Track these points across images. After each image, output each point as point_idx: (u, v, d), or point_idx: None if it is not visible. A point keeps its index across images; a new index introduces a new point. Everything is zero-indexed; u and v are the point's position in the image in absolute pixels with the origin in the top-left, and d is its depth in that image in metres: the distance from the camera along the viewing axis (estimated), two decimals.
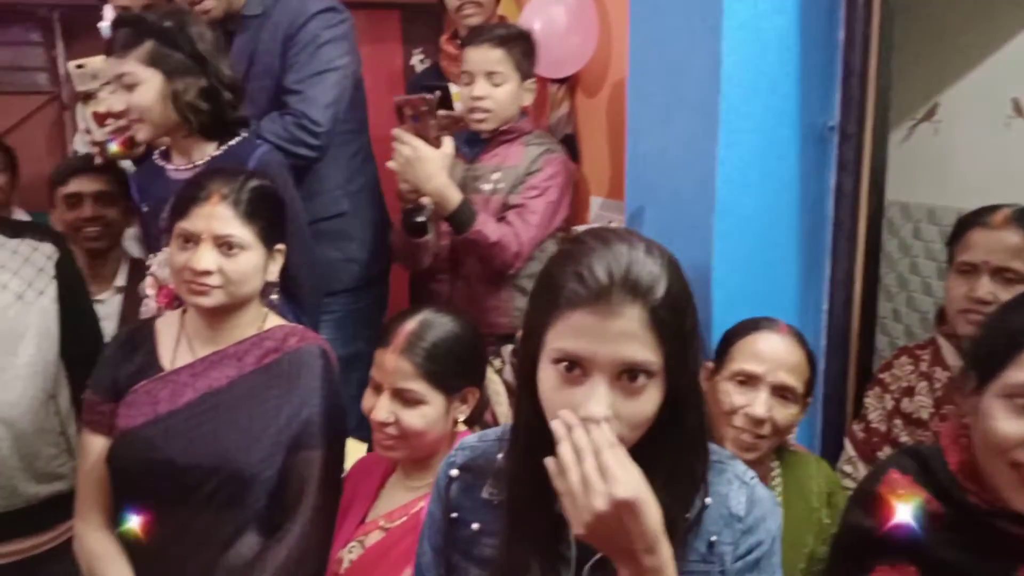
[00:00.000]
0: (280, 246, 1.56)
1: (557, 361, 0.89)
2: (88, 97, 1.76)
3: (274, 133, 2.07)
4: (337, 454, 1.53)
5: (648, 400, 0.89)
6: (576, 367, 0.88)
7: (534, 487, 0.93)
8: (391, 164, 1.97)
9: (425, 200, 2.01)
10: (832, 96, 1.72)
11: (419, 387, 1.38)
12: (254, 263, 1.49)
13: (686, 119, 1.77)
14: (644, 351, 0.87)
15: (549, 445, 0.87)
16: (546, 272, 0.94)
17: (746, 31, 1.65)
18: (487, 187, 2.16)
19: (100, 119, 1.78)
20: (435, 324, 1.42)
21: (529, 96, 2.16)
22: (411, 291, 2.74)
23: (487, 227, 2.04)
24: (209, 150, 1.85)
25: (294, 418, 1.48)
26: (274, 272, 1.56)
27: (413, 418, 1.39)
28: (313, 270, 1.96)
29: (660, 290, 0.88)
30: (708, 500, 0.96)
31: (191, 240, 1.46)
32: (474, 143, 2.21)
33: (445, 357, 1.40)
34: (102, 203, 2.24)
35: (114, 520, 1.49)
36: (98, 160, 1.83)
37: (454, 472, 1.06)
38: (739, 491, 0.98)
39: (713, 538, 0.95)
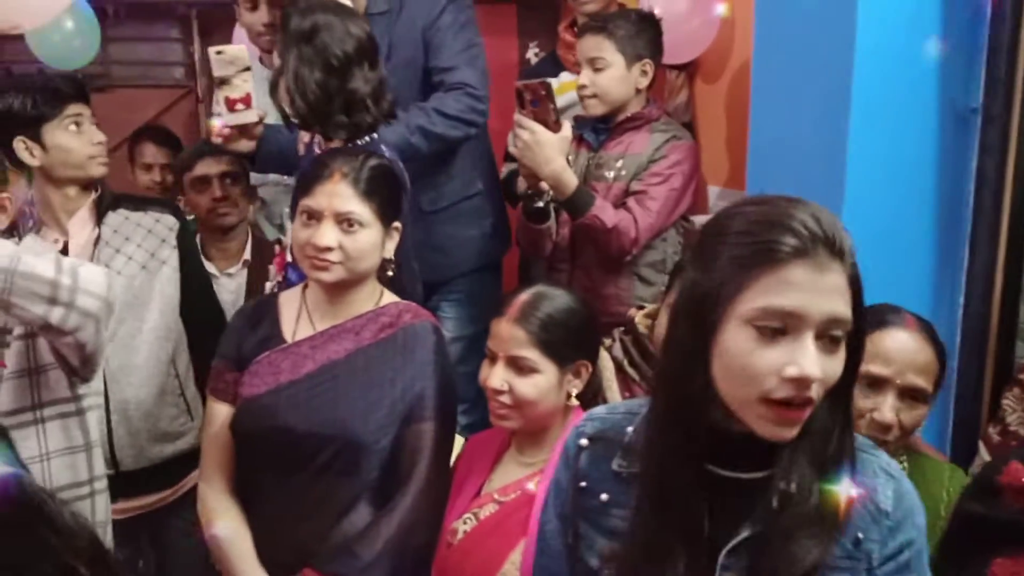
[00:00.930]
0: (397, 224, 1.59)
1: (755, 321, 0.86)
2: (223, 82, 1.84)
3: (444, 107, 2.14)
4: (448, 428, 1.55)
5: (839, 362, 0.88)
6: (780, 325, 0.86)
7: (683, 467, 0.92)
8: (511, 148, 1.98)
9: (543, 185, 2.01)
10: (976, 75, 1.61)
11: (532, 355, 1.40)
12: (372, 240, 1.52)
13: (815, 102, 1.69)
14: (847, 308, 0.87)
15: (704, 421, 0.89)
16: (742, 231, 0.89)
17: (882, 6, 1.56)
18: (610, 174, 2.14)
19: (231, 104, 1.86)
20: (549, 296, 1.45)
21: (644, 79, 2.12)
22: (520, 280, 2.76)
23: (604, 212, 2.01)
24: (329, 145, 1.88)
25: (408, 391, 1.51)
26: (390, 249, 1.59)
27: (526, 387, 1.41)
28: (411, 271, 1.94)
29: (851, 249, 0.88)
30: (854, 492, 0.91)
31: (314, 217, 1.50)
32: (600, 131, 2.19)
33: (558, 327, 1.42)
34: (228, 182, 2.36)
35: (236, 484, 1.56)
36: (224, 132, 1.90)
37: (584, 441, 1.05)
38: (886, 484, 0.93)
39: (859, 534, 0.91)
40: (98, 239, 1.89)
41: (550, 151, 1.93)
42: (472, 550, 1.43)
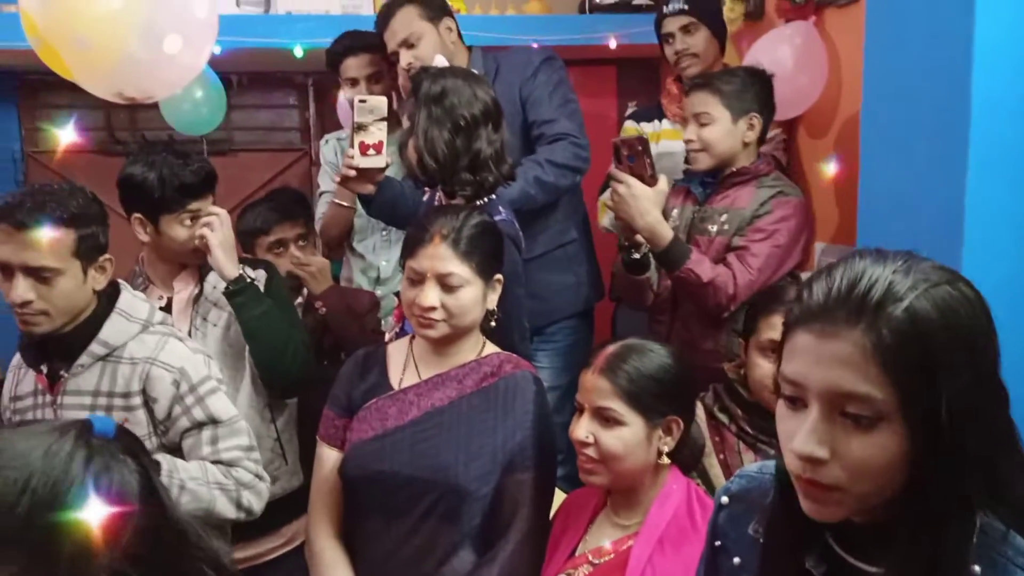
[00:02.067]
0: (498, 276, 1.63)
1: (782, 389, 0.82)
2: (360, 128, 1.95)
3: (553, 156, 2.28)
4: (548, 479, 1.56)
5: (877, 445, 0.76)
6: (794, 395, 0.80)
7: (788, 536, 0.87)
8: (606, 200, 2.00)
9: (639, 237, 2.02)
10: None
11: (617, 407, 1.39)
12: (473, 296, 1.56)
13: (929, 153, 1.64)
14: (862, 382, 0.75)
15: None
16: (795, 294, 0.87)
17: (998, 54, 1.52)
18: (713, 228, 2.12)
19: (364, 148, 1.97)
20: (639, 348, 1.44)
21: (751, 133, 2.11)
22: (613, 330, 2.77)
23: (700, 266, 1.99)
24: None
25: (508, 440, 1.53)
26: (493, 301, 1.63)
27: (611, 439, 1.39)
28: (512, 333, 1.94)
29: (896, 311, 0.75)
30: None
31: (417, 278, 1.56)
32: (707, 185, 2.18)
33: (646, 380, 1.40)
34: (302, 244, 2.46)
35: (343, 528, 1.59)
36: (350, 173, 1.99)
37: (724, 499, 1.02)
38: None
39: None
40: (199, 295, 2.00)
41: (645, 204, 1.95)
42: None
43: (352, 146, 1.95)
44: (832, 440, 0.78)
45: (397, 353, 1.67)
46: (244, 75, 3.40)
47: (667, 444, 1.42)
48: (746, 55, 2.46)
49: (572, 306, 2.51)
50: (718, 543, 1.01)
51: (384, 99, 1.97)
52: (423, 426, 1.55)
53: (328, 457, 1.62)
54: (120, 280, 1.76)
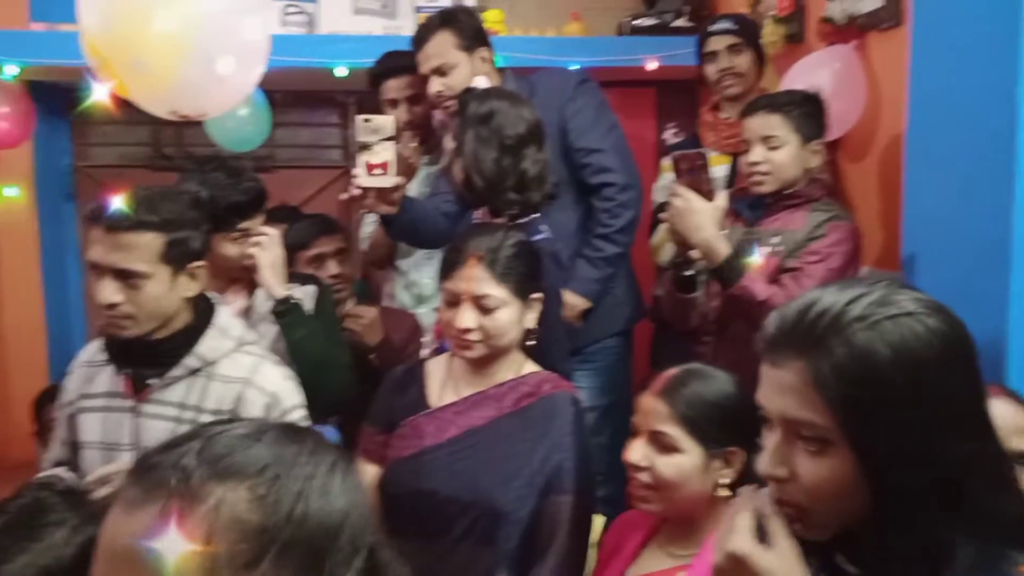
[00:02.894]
0: (536, 295, 1.63)
1: None
2: (364, 147, 1.96)
3: (606, 229, 2.39)
4: (587, 502, 1.55)
5: (827, 468, 0.80)
6: (767, 420, 0.86)
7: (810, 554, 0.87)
8: (663, 216, 1.99)
9: (694, 253, 2.00)
10: None
11: (674, 432, 1.34)
12: (510, 317, 1.57)
13: (975, 175, 1.63)
14: (804, 409, 0.80)
15: None
16: None
17: None
18: (765, 250, 2.10)
19: (370, 168, 1.98)
20: (701, 373, 1.39)
21: (815, 158, 2.09)
22: (652, 352, 2.76)
23: (755, 285, 1.97)
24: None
25: (547, 462, 1.52)
26: (531, 320, 1.63)
27: (666, 466, 1.35)
28: (553, 347, 1.98)
29: (836, 343, 0.77)
30: None
31: (454, 299, 1.57)
32: (756, 207, 2.17)
33: (707, 407, 1.35)
34: (340, 260, 2.49)
35: None
36: (355, 192, 2.01)
37: None
38: None
39: None
40: (249, 308, 2.04)
41: (701, 218, 1.93)
42: None
43: (357, 166, 1.96)
44: (790, 462, 0.83)
45: (436, 370, 1.68)
46: (287, 93, 3.46)
47: (726, 477, 1.35)
48: (784, 78, 2.45)
49: (612, 326, 2.51)
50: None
51: (390, 118, 1.98)
52: (461, 445, 1.55)
53: (367, 472, 1.63)
54: (212, 293, 1.76)
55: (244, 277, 2.02)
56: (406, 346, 2.41)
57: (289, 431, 0.71)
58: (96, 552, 0.64)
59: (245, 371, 1.65)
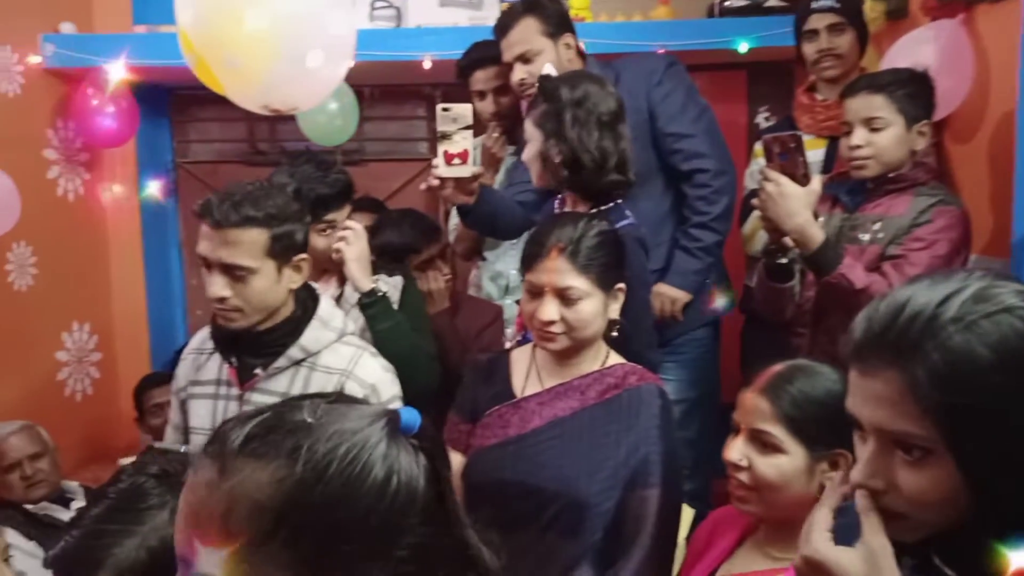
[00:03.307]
0: (620, 285, 1.60)
1: None
2: (444, 137, 1.96)
3: (701, 218, 2.36)
4: (674, 496, 1.52)
5: (929, 479, 0.74)
6: (860, 427, 0.80)
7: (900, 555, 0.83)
8: (754, 201, 1.93)
9: (788, 240, 1.92)
10: None
11: (776, 431, 1.27)
12: (593, 309, 1.54)
13: None
14: (901, 420, 0.74)
15: None
16: None
17: None
18: (865, 237, 2.00)
19: (448, 158, 1.97)
20: (808, 370, 1.30)
21: (921, 140, 1.98)
22: (742, 344, 2.68)
23: (853, 272, 1.88)
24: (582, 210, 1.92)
25: (632, 455, 1.50)
26: (615, 310, 1.61)
27: (766, 466, 1.28)
28: (640, 335, 1.92)
29: (932, 349, 0.71)
30: None
31: (535, 292, 1.55)
32: (856, 192, 2.07)
33: (813, 406, 1.27)
34: (445, 259, 2.49)
35: None
36: (433, 182, 2.01)
37: None
38: None
39: None
40: (340, 296, 2.08)
41: (795, 204, 1.84)
42: None
43: (435, 155, 1.95)
44: (887, 472, 0.77)
45: (520, 361, 1.68)
46: (376, 87, 3.51)
47: (832, 480, 1.26)
48: (886, 56, 2.34)
49: (700, 317, 2.46)
50: None
51: (469, 107, 1.96)
52: (545, 436, 1.54)
53: (452, 462, 1.63)
54: (315, 284, 1.82)
55: (334, 268, 2.06)
56: (484, 329, 2.42)
57: (350, 412, 0.72)
58: None
59: (345, 362, 1.69)
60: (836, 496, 0.85)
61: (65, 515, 2.45)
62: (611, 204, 1.86)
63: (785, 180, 1.88)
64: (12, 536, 2.41)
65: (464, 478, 1.60)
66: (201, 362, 1.76)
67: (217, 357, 1.73)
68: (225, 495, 0.66)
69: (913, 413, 0.73)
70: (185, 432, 1.77)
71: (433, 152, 3.66)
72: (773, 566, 1.31)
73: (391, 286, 2.16)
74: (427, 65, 3.02)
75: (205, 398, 1.73)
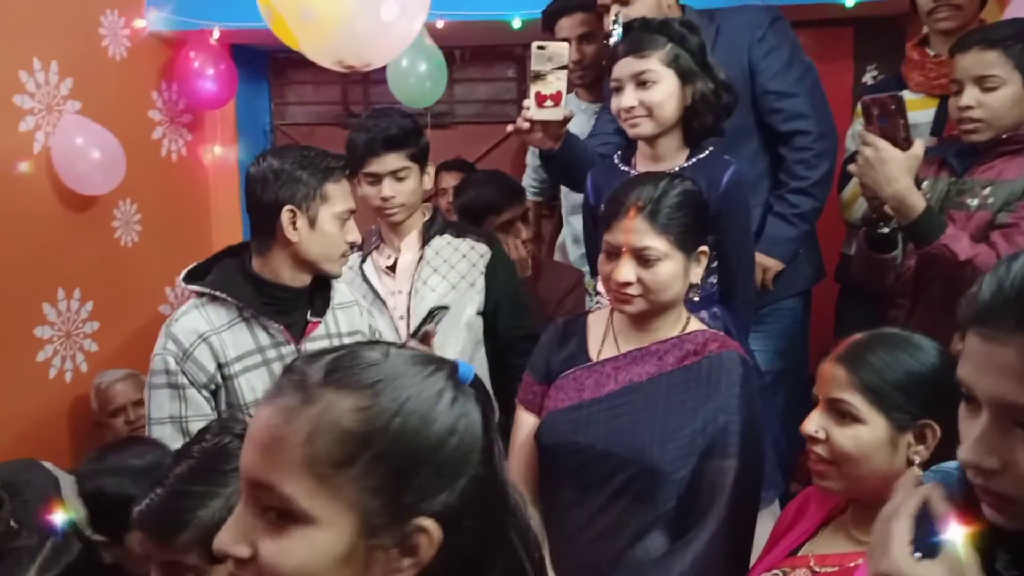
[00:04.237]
0: (703, 248, 1.54)
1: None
2: (537, 77, 1.89)
3: (799, 182, 2.27)
4: (753, 468, 1.47)
5: None
6: (972, 399, 0.73)
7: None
8: (851, 167, 1.83)
9: (888, 209, 1.81)
10: None
11: (854, 400, 1.20)
12: (672, 271, 1.49)
13: None
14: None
15: None
16: None
17: None
18: (973, 202, 1.85)
19: (540, 99, 1.90)
20: (893, 339, 1.23)
21: None
22: (837, 316, 2.57)
23: (957, 243, 1.74)
24: (679, 161, 1.86)
25: (710, 423, 1.46)
26: (697, 275, 1.55)
27: (844, 438, 1.21)
28: (748, 286, 1.91)
29: None
30: None
31: (613, 252, 1.51)
32: (966, 155, 1.93)
33: (896, 375, 1.19)
34: (526, 222, 2.53)
35: (537, 495, 1.60)
36: (522, 125, 1.96)
37: None
38: None
39: None
40: (421, 258, 2.10)
41: (894, 170, 1.73)
42: None
43: (528, 96, 1.89)
44: (1003, 450, 0.70)
45: (597, 324, 1.64)
46: (465, 49, 3.49)
47: (919, 454, 1.19)
48: (1008, 8, 2.16)
49: (790, 286, 2.35)
50: None
51: (565, 45, 1.89)
52: (619, 401, 1.51)
53: (526, 422, 1.63)
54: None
55: (382, 218, 2.13)
56: (566, 295, 2.39)
57: (415, 357, 0.76)
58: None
59: (348, 296, 1.93)
60: (915, 501, 0.77)
61: None
62: (707, 151, 1.81)
63: (884, 144, 1.76)
64: None
65: (537, 439, 1.58)
66: (229, 338, 1.70)
67: (243, 328, 1.71)
68: (310, 421, 0.69)
69: None
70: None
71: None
72: (857, 549, 1.24)
73: (478, 255, 2.16)
74: (516, 25, 2.98)
75: (256, 368, 1.71)
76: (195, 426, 1.65)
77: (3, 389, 2.56)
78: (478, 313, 2.14)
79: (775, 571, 1.31)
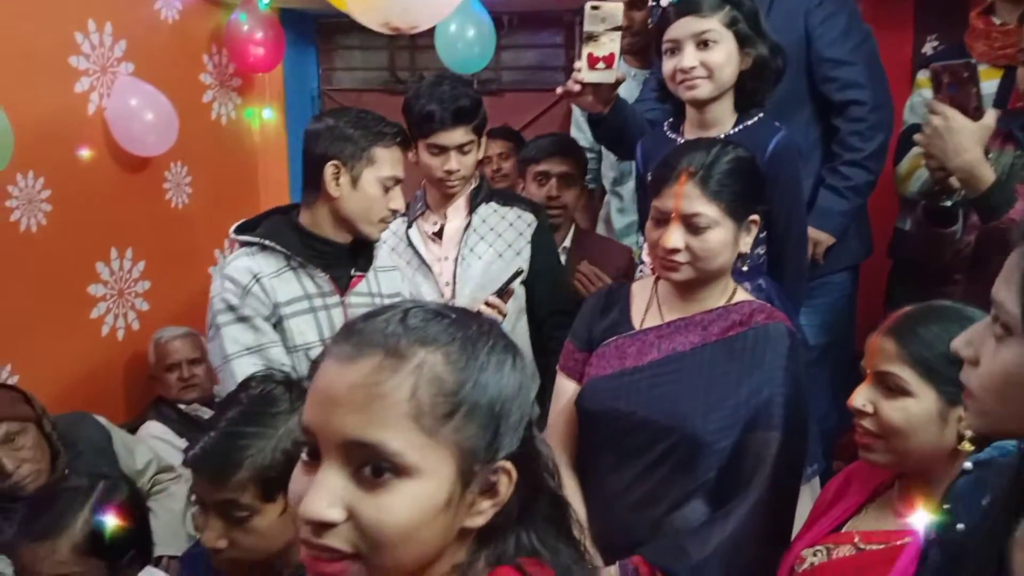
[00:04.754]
0: (754, 217, 1.51)
1: None
2: (590, 38, 1.84)
3: (853, 154, 2.22)
4: (797, 441, 1.45)
5: None
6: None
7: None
8: (917, 136, 1.77)
9: (953, 181, 1.74)
10: None
11: (902, 373, 1.18)
12: (721, 239, 1.46)
13: None
14: None
15: None
16: None
17: None
18: None
19: (592, 61, 1.86)
20: (944, 312, 1.20)
21: None
22: (888, 292, 2.51)
23: None
24: (727, 127, 1.82)
25: (754, 395, 1.44)
26: (747, 243, 1.52)
27: (892, 410, 1.19)
28: (800, 257, 1.88)
29: None
30: None
31: (661, 218, 1.49)
32: None
33: (947, 348, 1.10)
34: (564, 184, 2.48)
35: (576, 462, 1.60)
36: (573, 87, 1.93)
37: (968, 465, 0.92)
38: None
39: None
40: (468, 226, 2.10)
41: (964, 139, 1.66)
42: None
43: (579, 58, 1.85)
44: (980, 344, 0.74)
45: (641, 293, 1.62)
46: (513, 14, 3.46)
47: (970, 428, 1.16)
48: None
49: (839, 260, 2.31)
50: (947, 506, 0.90)
51: (620, 6, 1.85)
52: (662, 369, 1.50)
53: (566, 388, 1.62)
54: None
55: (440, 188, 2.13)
56: (616, 275, 2.38)
57: (467, 314, 0.77)
58: (309, 400, 0.73)
59: (391, 261, 1.98)
60: None
61: None
62: (756, 118, 1.78)
63: (954, 113, 1.69)
64: (165, 432, 2.63)
65: (577, 405, 1.58)
66: (279, 284, 1.77)
67: (291, 276, 1.78)
68: (410, 376, 0.70)
69: None
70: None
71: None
72: (901, 527, 1.22)
73: (524, 223, 2.15)
74: None
75: (304, 313, 1.78)
76: (274, 352, 1.73)
77: (59, 345, 2.64)
78: (522, 283, 2.14)
79: (818, 547, 1.30)
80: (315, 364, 0.78)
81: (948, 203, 1.80)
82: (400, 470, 0.69)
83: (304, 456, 0.73)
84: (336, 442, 0.70)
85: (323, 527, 0.68)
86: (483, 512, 0.74)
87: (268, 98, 3.61)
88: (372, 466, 0.69)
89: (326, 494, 0.68)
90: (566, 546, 0.79)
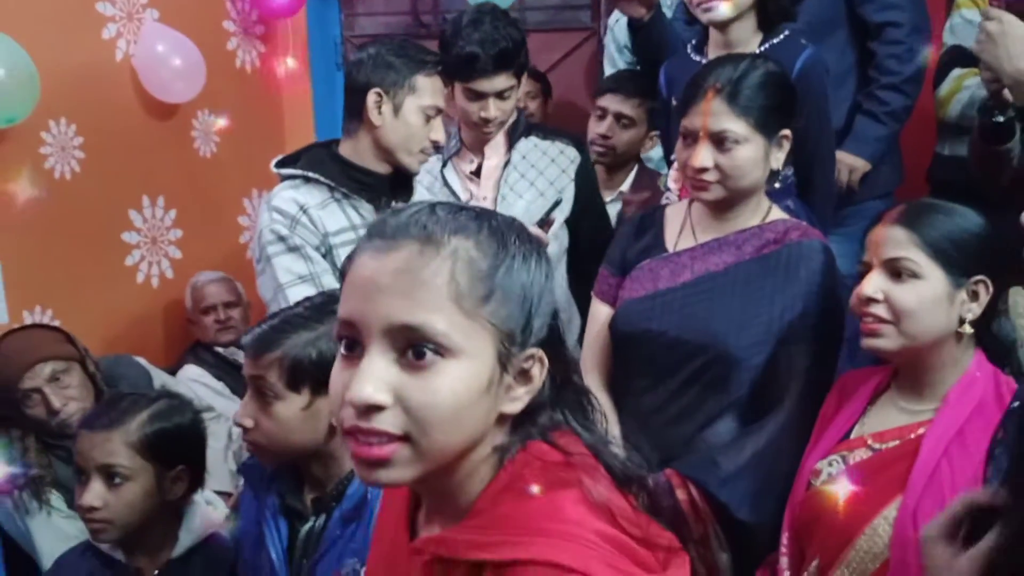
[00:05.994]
0: (785, 132, 1.49)
1: None
2: None
3: (890, 78, 2.19)
4: (829, 355, 1.45)
5: None
6: None
7: None
8: (972, 46, 1.70)
9: (1007, 94, 1.63)
10: None
11: (915, 256, 1.22)
12: (750, 155, 1.44)
13: None
14: None
15: None
16: None
17: None
18: None
19: None
20: (943, 206, 1.26)
21: None
22: None
23: None
24: (751, 46, 1.79)
25: (788, 311, 1.44)
26: (778, 160, 1.50)
27: (905, 293, 1.22)
28: (828, 179, 1.85)
29: None
30: None
31: (690, 136, 1.47)
32: None
33: (953, 233, 1.22)
34: (620, 124, 2.44)
35: (611, 383, 1.61)
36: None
37: (1016, 404, 0.93)
38: None
39: None
40: (507, 163, 2.06)
41: (1020, 46, 1.55)
42: (838, 496, 1.28)
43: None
44: None
45: (675, 216, 1.62)
46: None
47: (971, 311, 1.23)
48: None
49: (873, 187, 2.28)
50: (997, 450, 0.92)
51: None
52: (695, 289, 1.50)
53: (600, 313, 1.63)
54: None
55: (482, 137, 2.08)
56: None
57: (485, 212, 0.79)
58: (347, 293, 0.75)
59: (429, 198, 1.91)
60: None
61: None
62: (782, 35, 1.73)
63: (1010, 18, 1.60)
64: (202, 375, 2.68)
65: (611, 328, 1.59)
66: (324, 215, 1.76)
67: (335, 207, 1.77)
68: (447, 262, 0.71)
69: None
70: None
71: (594, 21, 3.55)
72: (910, 420, 1.26)
73: (568, 159, 2.10)
74: None
75: (352, 244, 1.75)
76: (327, 281, 1.73)
77: (97, 291, 2.68)
78: (565, 222, 2.09)
79: (832, 457, 1.32)
80: (348, 261, 0.79)
81: (1001, 118, 1.71)
82: (445, 351, 0.70)
83: (343, 350, 0.73)
84: (381, 328, 0.71)
85: (371, 411, 0.70)
86: (519, 398, 0.76)
87: (292, 46, 3.58)
88: (415, 349, 0.70)
89: (373, 379, 0.70)
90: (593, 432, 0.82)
